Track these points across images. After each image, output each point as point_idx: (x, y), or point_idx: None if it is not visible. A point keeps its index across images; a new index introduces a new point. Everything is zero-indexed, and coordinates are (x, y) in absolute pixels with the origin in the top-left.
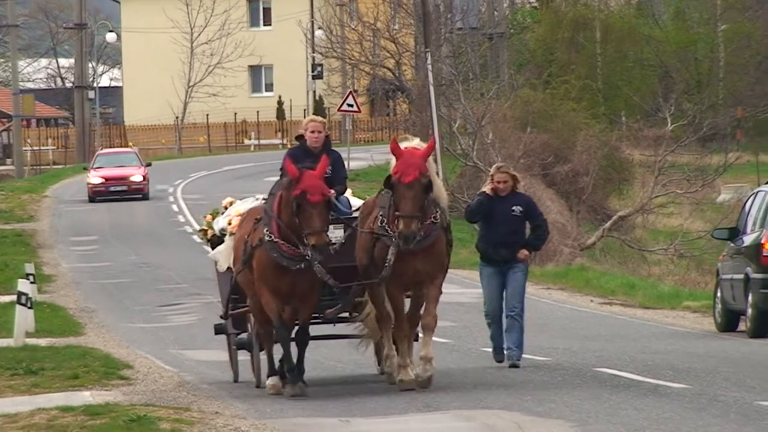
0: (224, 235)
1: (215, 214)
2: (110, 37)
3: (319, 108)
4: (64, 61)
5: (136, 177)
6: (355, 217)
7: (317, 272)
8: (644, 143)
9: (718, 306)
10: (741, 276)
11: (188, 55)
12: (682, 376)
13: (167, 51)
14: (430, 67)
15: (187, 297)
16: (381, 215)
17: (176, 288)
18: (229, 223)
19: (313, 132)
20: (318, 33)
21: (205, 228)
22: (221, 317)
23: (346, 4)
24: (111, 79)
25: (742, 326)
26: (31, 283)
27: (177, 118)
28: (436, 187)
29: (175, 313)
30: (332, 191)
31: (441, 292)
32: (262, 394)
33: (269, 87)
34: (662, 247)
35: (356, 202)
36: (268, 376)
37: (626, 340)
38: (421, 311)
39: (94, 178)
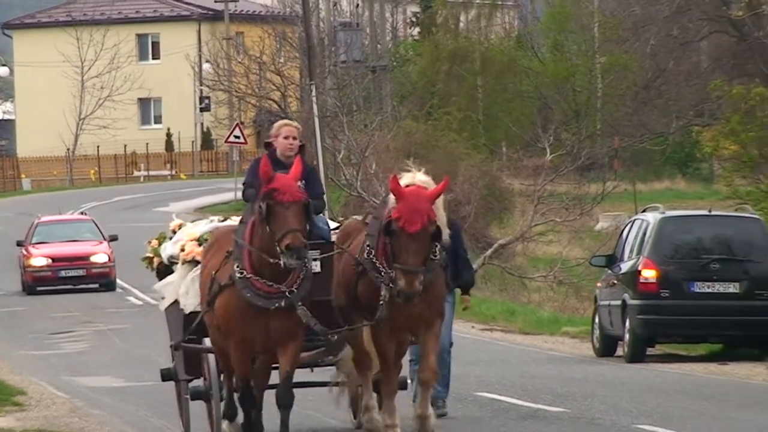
0: (174, 263)
1: (162, 239)
2: (2, 71)
3: (207, 140)
4: None
5: (99, 257)
6: (333, 242)
7: (301, 315)
8: (524, 173)
9: (596, 331)
10: (618, 302)
11: (79, 88)
12: (561, 400)
13: (59, 84)
14: (314, 99)
15: (78, 325)
16: (369, 245)
17: (68, 316)
18: (182, 249)
19: (287, 138)
20: (205, 66)
21: (151, 255)
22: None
23: (232, 38)
24: (4, 112)
25: (619, 351)
26: None
27: (68, 149)
28: (443, 217)
29: (67, 341)
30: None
31: (439, 341)
32: (153, 416)
33: (158, 119)
34: (542, 274)
35: (333, 225)
36: (226, 420)
37: (506, 365)
38: (405, 359)
39: (36, 258)
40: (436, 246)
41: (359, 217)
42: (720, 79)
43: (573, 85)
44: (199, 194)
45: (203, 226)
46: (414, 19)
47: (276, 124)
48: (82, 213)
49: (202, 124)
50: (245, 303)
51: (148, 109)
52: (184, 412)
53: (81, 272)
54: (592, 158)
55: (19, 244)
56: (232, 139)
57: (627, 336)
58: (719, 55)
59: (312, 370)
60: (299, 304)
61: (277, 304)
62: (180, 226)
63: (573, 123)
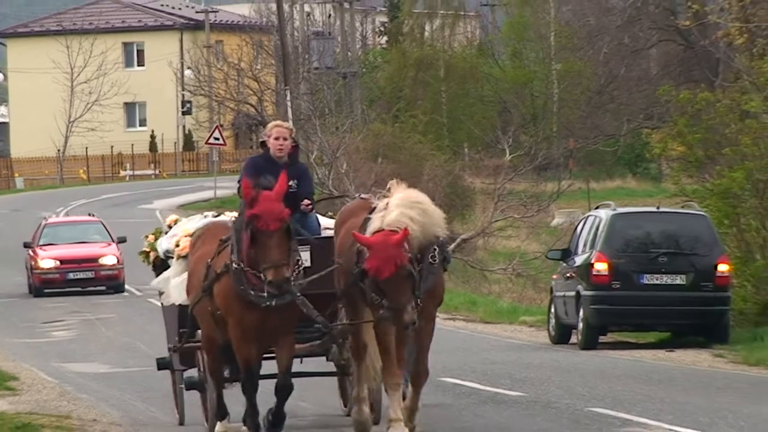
0: (169, 257)
1: (158, 234)
2: None
3: (188, 141)
4: None
5: (108, 258)
6: (326, 238)
7: (302, 307)
8: (485, 172)
9: (552, 320)
10: (573, 293)
11: (69, 93)
12: (519, 384)
13: (50, 89)
14: (289, 103)
15: (67, 314)
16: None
17: (58, 306)
18: (177, 245)
19: (277, 139)
20: (187, 73)
21: (147, 249)
22: (173, 350)
23: (212, 46)
24: None
25: (573, 339)
26: None
27: (59, 150)
28: (431, 223)
29: (57, 329)
30: (289, 215)
31: (432, 336)
32: (137, 400)
33: (143, 122)
34: (501, 267)
35: (327, 222)
36: (218, 420)
37: (468, 353)
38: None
39: (44, 260)
40: (435, 250)
41: (366, 196)
42: (668, 85)
43: (531, 91)
44: (180, 192)
45: (198, 222)
46: (382, 29)
47: (269, 125)
48: (89, 214)
49: (183, 126)
50: (238, 294)
51: (133, 112)
52: (179, 401)
53: (89, 274)
54: (549, 159)
55: (27, 245)
56: (212, 140)
57: (581, 325)
58: (667, 62)
59: (301, 361)
60: (298, 295)
61: (268, 302)
62: (176, 222)
63: (531, 126)
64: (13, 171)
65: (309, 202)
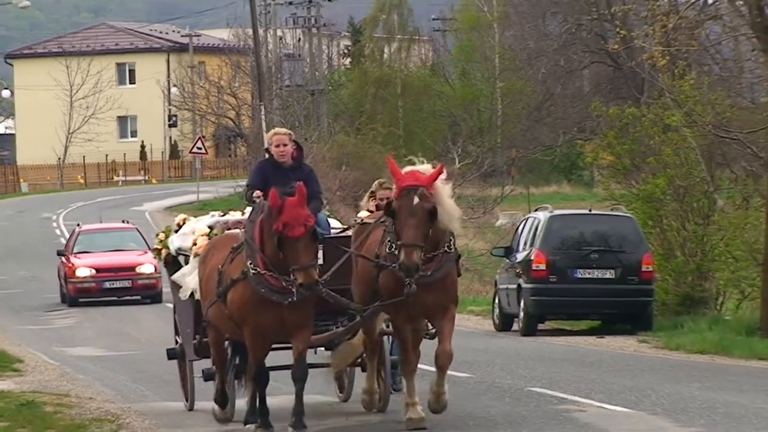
0: (181, 254)
1: (168, 232)
2: (4, 93)
3: (174, 151)
4: None
5: (145, 267)
6: (334, 237)
7: (328, 299)
8: None
9: (496, 310)
10: (515, 286)
11: (68, 108)
12: (467, 367)
13: (51, 104)
14: (263, 117)
15: (66, 304)
16: (390, 241)
17: (58, 297)
18: (194, 243)
19: (278, 146)
20: (173, 90)
21: (159, 247)
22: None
23: (195, 66)
24: (6, 128)
25: (515, 327)
26: None
27: (59, 159)
28: (448, 214)
29: (58, 318)
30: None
31: (454, 326)
32: (129, 381)
33: (134, 134)
34: None
35: (334, 223)
36: (220, 408)
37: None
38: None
39: (81, 269)
40: (451, 240)
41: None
42: (599, 102)
43: (477, 106)
44: (167, 196)
45: (207, 220)
46: (346, 51)
47: (268, 134)
48: (124, 221)
49: (170, 137)
50: (259, 297)
51: (125, 125)
52: (190, 389)
53: (126, 284)
54: (494, 166)
55: (60, 253)
56: (195, 150)
57: (521, 314)
58: (598, 82)
59: (315, 352)
60: (322, 289)
61: (290, 299)
62: (184, 221)
63: (477, 137)
64: (18, 177)
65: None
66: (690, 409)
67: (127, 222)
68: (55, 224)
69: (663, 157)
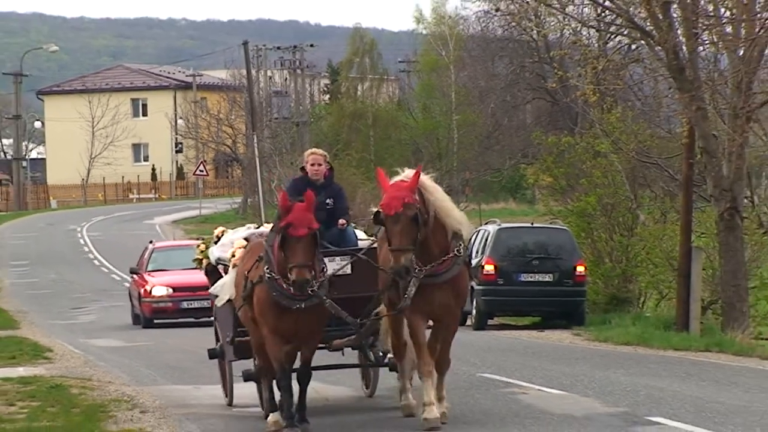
0: (220, 264)
1: (208, 243)
2: (37, 124)
3: (180, 173)
4: (5, 141)
5: None
6: (360, 249)
7: (331, 309)
8: None
9: None
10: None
11: (90, 136)
12: None
13: (76, 134)
14: (256, 144)
15: (89, 302)
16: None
17: (82, 296)
18: (233, 255)
19: (313, 165)
20: (180, 121)
21: (200, 257)
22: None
23: (198, 101)
24: (38, 153)
25: (469, 322)
26: None
27: (83, 179)
28: (452, 218)
29: (82, 314)
30: (318, 225)
31: (455, 333)
32: (142, 367)
33: (146, 158)
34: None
35: (361, 235)
36: (270, 412)
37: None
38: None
39: (157, 288)
40: (460, 244)
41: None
42: (539, 131)
43: (437, 135)
44: (174, 211)
45: (243, 232)
46: (326, 89)
47: (306, 153)
48: (199, 238)
49: (176, 161)
50: (274, 300)
51: (139, 151)
52: (229, 387)
53: (204, 303)
54: (451, 186)
55: (133, 271)
56: (198, 172)
57: (474, 311)
58: (539, 115)
59: (343, 353)
60: (325, 299)
61: (298, 305)
62: (223, 233)
63: (437, 161)
64: (48, 195)
65: (344, 221)
66: (616, 392)
67: (202, 239)
68: (79, 235)
69: (593, 179)
